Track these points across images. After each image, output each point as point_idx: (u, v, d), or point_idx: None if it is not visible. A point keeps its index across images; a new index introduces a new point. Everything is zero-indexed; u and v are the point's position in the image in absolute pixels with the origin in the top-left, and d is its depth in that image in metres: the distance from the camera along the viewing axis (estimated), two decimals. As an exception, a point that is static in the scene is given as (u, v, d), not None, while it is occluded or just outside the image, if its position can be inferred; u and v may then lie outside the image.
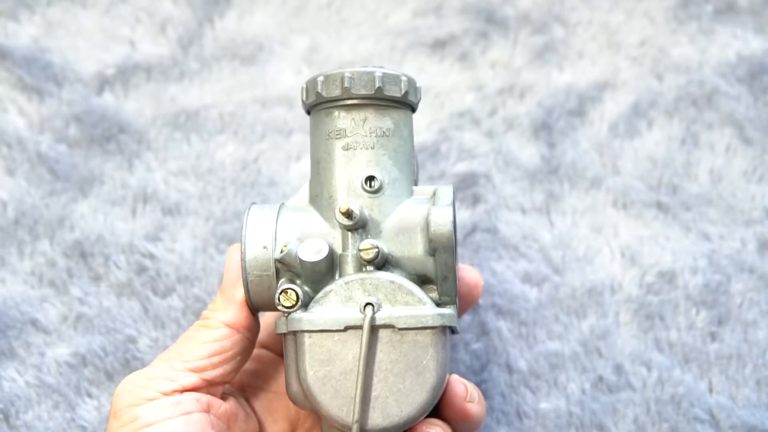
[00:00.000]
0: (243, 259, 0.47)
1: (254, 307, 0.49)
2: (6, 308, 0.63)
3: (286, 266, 0.47)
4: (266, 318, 0.55)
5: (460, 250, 0.66)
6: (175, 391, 0.46)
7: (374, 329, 0.45)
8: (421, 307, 0.45)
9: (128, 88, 0.71)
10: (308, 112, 0.51)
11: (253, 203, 0.50)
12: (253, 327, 0.49)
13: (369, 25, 0.74)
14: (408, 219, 0.47)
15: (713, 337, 0.63)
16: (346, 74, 0.48)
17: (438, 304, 0.46)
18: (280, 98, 0.71)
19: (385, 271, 0.46)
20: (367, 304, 0.45)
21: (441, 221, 0.46)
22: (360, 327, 0.45)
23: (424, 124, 0.70)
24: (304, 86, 0.50)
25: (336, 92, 0.48)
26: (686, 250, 0.66)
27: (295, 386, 0.47)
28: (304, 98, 0.50)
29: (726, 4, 0.74)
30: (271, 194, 0.68)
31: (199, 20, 0.73)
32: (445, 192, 0.48)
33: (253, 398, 0.52)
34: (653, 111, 0.70)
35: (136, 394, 0.46)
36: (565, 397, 0.62)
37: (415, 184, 0.50)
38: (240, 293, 0.49)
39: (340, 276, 0.47)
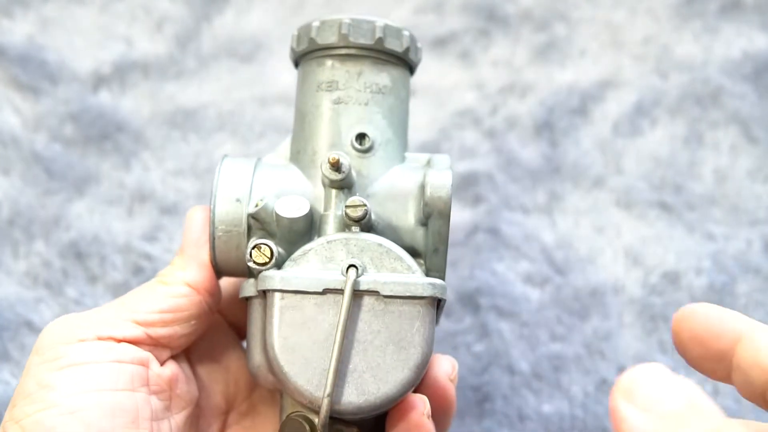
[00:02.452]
0: (212, 212, 0.43)
1: (218, 268, 0.44)
2: (0, 309, 0.63)
3: (259, 223, 0.42)
4: (224, 283, 0.50)
5: (461, 251, 0.66)
6: (112, 338, 0.41)
7: (356, 295, 0.40)
8: (410, 275, 0.41)
9: (125, 86, 0.70)
10: (296, 64, 0.48)
11: (226, 155, 0.45)
12: (215, 292, 0.45)
13: (369, 22, 0.73)
14: (400, 184, 0.44)
15: (718, 338, 0.63)
16: (345, 20, 0.45)
17: None
18: (278, 97, 0.71)
19: None
20: (351, 265, 0.40)
21: (439, 183, 0.42)
22: (340, 291, 0.40)
23: (424, 122, 0.70)
24: (296, 33, 0.47)
25: (332, 39, 0.44)
26: (690, 250, 0.65)
27: (257, 358, 0.42)
28: (295, 45, 0.46)
29: (731, 2, 0.73)
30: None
31: (197, 18, 0.73)
32: (442, 159, 0.45)
33: (196, 363, 0.47)
34: (657, 109, 0.70)
35: (67, 333, 0.41)
36: (568, 400, 0.61)
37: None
38: (204, 253, 0.44)
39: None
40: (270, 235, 0.43)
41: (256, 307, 0.42)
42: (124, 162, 0.68)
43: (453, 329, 0.63)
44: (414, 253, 0.43)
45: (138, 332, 0.42)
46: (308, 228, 0.43)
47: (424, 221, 0.43)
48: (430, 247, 0.43)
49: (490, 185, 0.68)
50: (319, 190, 0.43)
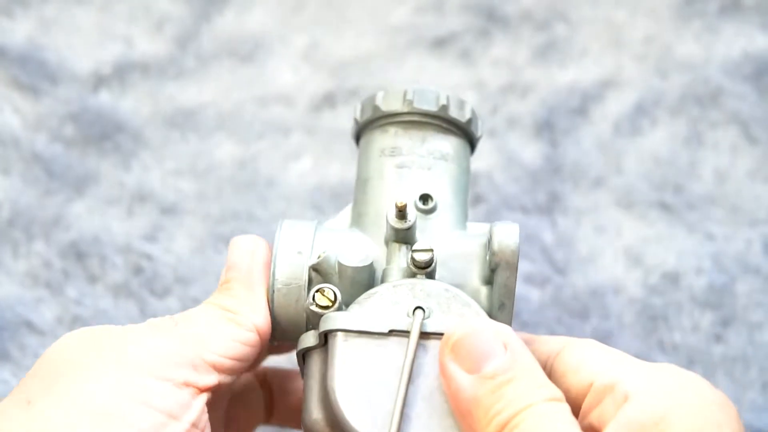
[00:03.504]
0: (273, 264, 0.42)
1: (275, 323, 0.42)
2: (0, 309, 0.63)
3: (321, 275, 0.41)
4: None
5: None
6: (190, 384, 0.36)
7: (423, 337, 0.39)
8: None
9: (125, 86, 0.71)
10: (357, 138, 0.48)
11: (285, 219, 0.45)
12: (267, 342, 0.42)
13: (369, 22, 0.73)
14: (464, 245, 0.43)
15: (718, 338, 0.63)
16: (410, 88, 0.45)
17: None
18: (278, 97, 0.71)
19: None
20: (417, 307, 0.39)
21: (507, 233, 0.42)
22: (406, 333, 0.39)
23: (424, 122, 0.70)
24: (358, 105, 0.47)
25: (396, 106, 0.45)
26: (690, 250, 0.65)
27: (315, 413, 0.40)
28: (358, 117, 0.46)
29: (731, 1, 0.73)
30: (270, 194, 0.67)
31: (197, 17, 0.73)
32: (506, 224, 0.44)
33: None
34: (657, 109, 0.70)
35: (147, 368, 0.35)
36: (568, 400, 0.61)
37: None
38: (263, 292, 0.41)
39: None
40: None
41: (314, 357, 0.41)
42: (123, 162, 0.68)
43: (453, 329, 0.63)
44: None
45: (214, 380, 0.37)
46: (371, 281, 0.42)
47: (489, 278, 0.42)
48: (495, 303, 0.42)
49: (490, 185, 0.68)
50: (381, 249, 0.43)
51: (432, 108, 0.45)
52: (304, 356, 0.42)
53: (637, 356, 0.61)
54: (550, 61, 0.72)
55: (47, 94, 0.70)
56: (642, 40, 0.73)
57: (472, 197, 0.67)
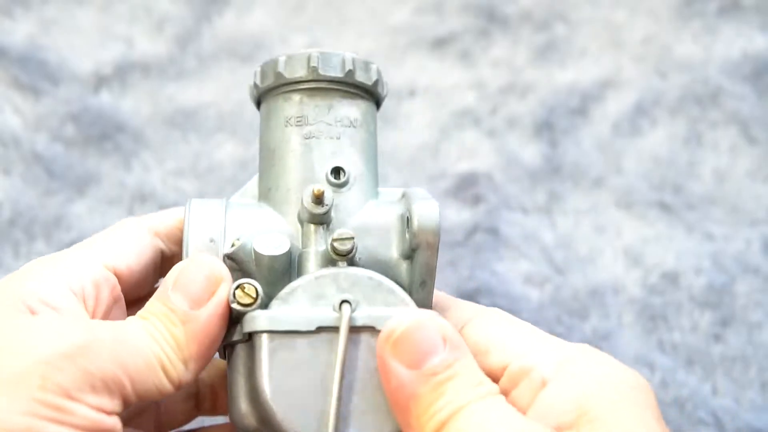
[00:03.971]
0: (184, 254, 0.40)
1: None
2: (1, 309, 0.63)
3: (237, 264, 0.40)
4: None
5: (461, 251, 0.65)
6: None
7: (352, 331, 0.38)
8: (405, 308, 0.39)
9: (125, 86, 0.70)
10: (258, 103, 0.45)
11: (191, 198, 0.43)
12: None
13: (369, 23, 0.73)
14: (379, 218, 0.42)
15: (717, 338, 0.63)
16: (314, 54, 0.43)
17: None
18: (279, 97, 0.71)
19: None
20: (344, 301, 0.38)
21: (428, 213, 0.40)
22: (335, 328, 0.38)
23: (424, 122, 0.70)
24: (258, 69, 0.44)
25: (300, 73, 0.43)
26: (690, 250, 0.65)
27: (243, 407, 0.39)
28: (259, 81, 0.44)
29: (730, 2, 0.73)
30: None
31: (197, 18, 0.73)
32: (420, 191, 0.43)
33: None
34: (657, 110, 0.70)
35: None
36: (568, 400, 0.61)
37: None
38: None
39: (300, 276, 0.41)
40: (247, 276, 0.40)
41: (239, 354, 0.40)
42: (124, 162, 0.68)
43: (453, 329, 0.63)
44: None
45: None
46: (288, 267, 0.41)
47: (409, 254, 0.41)
48: (416, 280, 0.41)
49: (490, 185, 0.68)
50: (294, 228, 0.42)
51: (338, 74, 0.43)
52: (225, 349, 0.41)
53: (637, 356, 0.62)
54: (550, 61, 0.72)
55: (48, 95, 0.70)
56: (641, 40, 0.73)
57: (472, 197, 0.67)
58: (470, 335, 0.38)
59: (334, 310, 0.38)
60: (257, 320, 0.38)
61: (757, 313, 0.64)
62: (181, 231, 0.43)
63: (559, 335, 0.63)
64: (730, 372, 0.62)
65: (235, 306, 0.38)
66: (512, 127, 0.70)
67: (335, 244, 0.39)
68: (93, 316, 0.37)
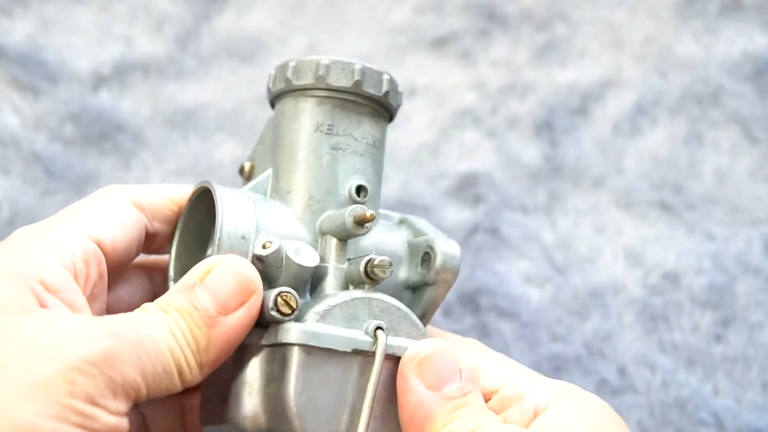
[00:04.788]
0: (216, 248, 0.40)
1: None
2: (0, 310, 0.63)
3: (264, 266, 0.40)
4: None
5: (461, 251, 0.65)
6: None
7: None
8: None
9: (125, 86, 0.70)
10: (277, 96, 0.45)
11: (206, 181, 0.42)
12: None
13: (369, 22, 0.73)
14: (387, 242, 0.43)
15: (718, 338, 0.63)
16: (357, 66, 0.43)
17: None
18: (278, 97, 0.70)
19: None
20: (378, 327, 0.39)
21: (451, 254, 0.42)
22: (368, 353, 0.39)
23: (424, 122, 0.69)
24: (294, 64, 0.44)
25: (342, 82, 0.43)
26: (690, 250, 0.65)
27: (249, 407, 0.39)
28: (293, 77, 0.44)
29: (731, 2, 0.73)
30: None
31: (197, 17, 0.73)
32: (420, 221, 0.44)
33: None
34: (657, 109, 0.70)
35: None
36: (568, 400, 0.61)
37: None
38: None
39: (313, 290, 0.41)
40: (271, 281, 0.40)
41: (259, 357, 0.40)
42: (123, 162, 0.68)
43: (453, 329, 0.63)
44: None
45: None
46: (311, 275, 0.41)
47: (416, 286, 0.42)
48: (418, 313, 0.42)
49: (490, 185, 0.67)
50: (312, 237, 0.42)
51: (377, 93, 0.44)
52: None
53: (638, 356, 0.62)
54: (550, 61, 0.72)
55: (47, 94, 0.70)
56: (642, 40, 0.72)
57: (472, 197, 0.67)
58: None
59: (366, 333, 0.39)
60: (293, 332, 0.38)
61: (758, 313, 0.63)
62: (168, 209, 0.43)
63: (559, 335, 0.64)
64: (731, 372, 0.62)
65: (274, 314, 0.39)
66: (512, 127, 0.70)
67: (376, 270, 0.40)
68: (83, 293, 0.37)
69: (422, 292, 0.42)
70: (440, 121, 0.70)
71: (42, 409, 0.32)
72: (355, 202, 0.42)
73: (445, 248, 0.42)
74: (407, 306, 0.42)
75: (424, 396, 0.37)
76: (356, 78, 0.43)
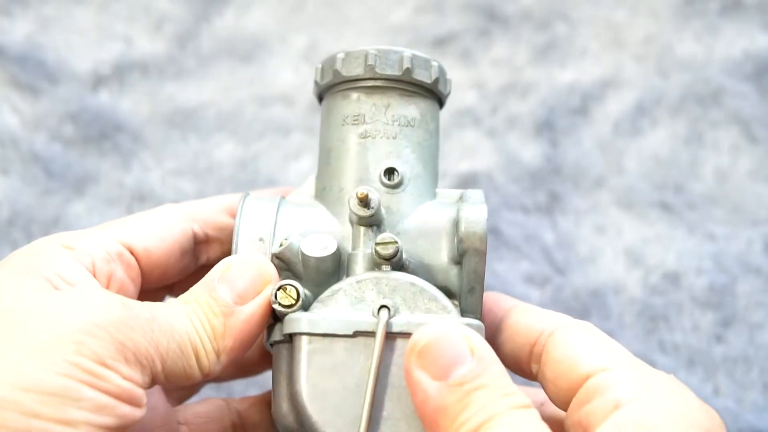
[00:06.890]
0: (234, 251, 0.41)
1: None
2: None
3: (285, 263, 0.40)
4: None
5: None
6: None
7: (389, 337, 0.37)
8: (445, 316, 0.38)
9: (124, 86, 0.70)
10: (320, 99, 0.46)
11: (248, 194, 0.44)
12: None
13: (369, 22, 0.73)
14: (431, 221, 0.42)
15: (719, 339, 0.63)
16: (371, 52, 0.43)
17: None
18: (278, 96, 0.70)
19: None
20: (382, 306, 0.38)
21: (474, 218, 0.40)
22: (372, 333, 0.37)
23: (424, 122, 0.69)
24: (320, 66, 0.45)
25: (357, 71, 0.43)
26: (691, 250, 0.65)
27: (284, 406, 0.40)
28: (319, 79, 0.45)
29: (732, 1, 0.73)
30: (270, 194, 0.67)
31: (196, 17, 0.73)
32: (475, 193, 0.43)
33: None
34: (658, 109, 0.70)
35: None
36: (569, 401, 0.61)
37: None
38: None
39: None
40: (296, 276, 0.41)
41: (282, 353, 0.40)
42: (123, 162, 0.68)
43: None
44: (448, 293, 0.40)
45: None
46: (336, 268, 0.41)
47: (459, 259, 0.41)
48: (465, 286, 0.40)
49: (490, 185, 0.67)
50: (347, 229, 0.42)
51: (396, 72, 0.43)
52: (271, 345, 0.41)
53: (638, 356, 0.61)
54: (550, 61, 0.72)
55: (46, 94, 0.69)
56: (642, 39, 0.72)
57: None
58: (557, 344, 0.38)
59: (373, 315, 0.38)
60: (297, 322, 0.38)
61: (758, 313, 0.63)
62: (220, 217, 0.44)
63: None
64: (731, 373, 0.62)
65: (276, 307, 0.39)
66: (512, 126, 0.70)
67: (378, 248, 0.39)
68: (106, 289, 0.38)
69: (462, 264, 0.40)
70: (440, 121, 0.70)
71: (49, 365, 0.32)
72: (385, 185, 0.42)
73: (467, 214, 0.40)
74: (457, 282, 0.40)
75: (431, 388, 0.34)
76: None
